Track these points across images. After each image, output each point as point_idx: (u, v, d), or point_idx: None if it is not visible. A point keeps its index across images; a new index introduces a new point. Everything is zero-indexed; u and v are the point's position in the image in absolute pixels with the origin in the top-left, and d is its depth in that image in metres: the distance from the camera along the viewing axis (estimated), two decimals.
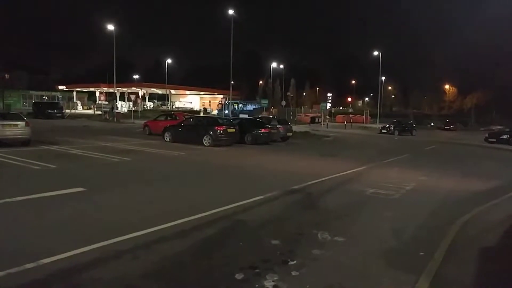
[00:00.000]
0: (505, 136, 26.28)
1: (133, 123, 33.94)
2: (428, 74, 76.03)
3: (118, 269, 4.38)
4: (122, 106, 57.59)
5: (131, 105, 48.11)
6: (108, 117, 37.25)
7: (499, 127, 29.51)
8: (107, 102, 45.71)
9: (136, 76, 75.98)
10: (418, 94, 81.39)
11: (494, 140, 26.55)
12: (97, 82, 61.53)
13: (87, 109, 58.34)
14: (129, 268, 4.42)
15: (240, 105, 44.96)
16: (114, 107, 40.97)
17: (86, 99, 68.70)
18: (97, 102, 57.28)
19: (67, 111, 43.59)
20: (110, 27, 38.90)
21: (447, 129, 46.07)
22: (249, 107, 45.65)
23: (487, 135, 28.11)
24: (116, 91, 52.50)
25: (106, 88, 57.90)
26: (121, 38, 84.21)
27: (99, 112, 41.87)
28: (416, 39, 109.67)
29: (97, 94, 63.47)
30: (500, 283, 4.36)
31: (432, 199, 8.78)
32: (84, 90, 68.65)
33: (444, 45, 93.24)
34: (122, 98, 63.42)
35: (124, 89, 61.82)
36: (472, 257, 4.99)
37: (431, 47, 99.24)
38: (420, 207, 7.95)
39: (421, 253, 5.17)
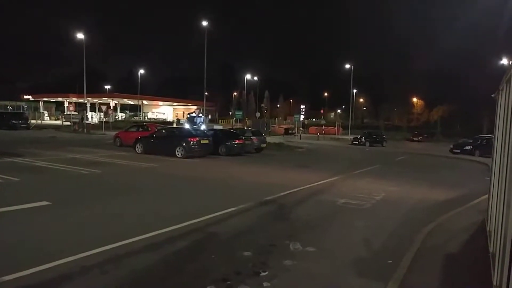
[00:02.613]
0: (468, 147, 27.58)
1: (104, 134, 33.05)
2: (398, 87, 78.99)
3: (84, 285, 4.23)
4: (93, 117, 56.05)
5: (102, 116, 46.93)
6: (77, 128, 36.06)
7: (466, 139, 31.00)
8: (76, 113, 44.38)
9: (107, 87, 74.41)
10: (389, 107, 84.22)
11: (459, 150, 27.80)
12: (66, 92, 59.71)
13: (55, 120, 56.31)
14: (96, 283, 4.27)
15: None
16: (84, 117, 39.77)
17: (53, 109, 66.35)
18: (65, 113, 55.44)
19: (33, 121, 41.89)
20: (80, 35, 38.01)
21: (415, 140, 47.81)
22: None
23: (452, 146, 29.40)
24: (86, 101, 51.16)
25: (75, 98, 56.35)
26: (93, 48, 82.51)
27: (68, 123, 40.50)
28: (387, 53, 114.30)
29: (66, 104, 61.66)
30: (463, 287, 4.54)
31: (401, 208, 9.06)
32: (52, 100, 66.42)
33: (413, 60, 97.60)
34: (92, 109, 61.77)
35: (95, 100, 60.23)
36: (437, 264, 5.17)
37: (402, 62, 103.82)
38: (389, 217, 8.18)
39: (390, 261, 5.30)
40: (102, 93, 65.92)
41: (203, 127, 31.71)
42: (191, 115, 44.08)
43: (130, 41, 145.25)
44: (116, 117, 58.81)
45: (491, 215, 5.89)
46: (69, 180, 10.95)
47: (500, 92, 5.58)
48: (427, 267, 5.04)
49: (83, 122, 37.70)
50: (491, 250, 4.97)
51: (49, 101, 65.94)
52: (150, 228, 6.28)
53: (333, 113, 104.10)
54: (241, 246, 5.66)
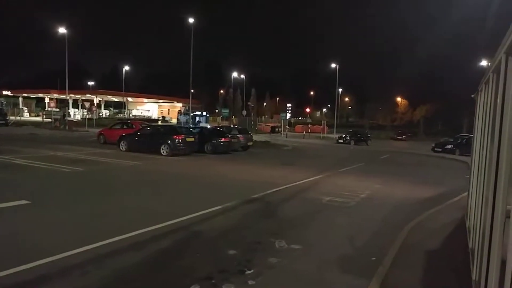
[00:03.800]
0: (449, 146, 28.22)
1: (87, 131, 32.45)
2: (382, 86, 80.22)
3: (64, 286, 4.13)
4: (75, 114, 54.95)
5: (85, 113, 46.06)
6: (58, 125, 35.30)
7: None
8: (58, 109, 43.41)
9: (91, 83, 73.04)
10: (373, 106, 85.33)
11: (440, 149, 28.44)
12: (47, 87, 58.31)
13: (35, 116, 54.96)
14: (76, 284, 4.18)
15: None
16: (65, 114, 38.94)
17: (33, 105, 64.79)
18: (46, 109, 54.20)
19: (12, 118, 40.80)
20: (62, 30, 37.09)
21: (399, 139, 48.60)
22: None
23: (433, 145, 30.01)
24: (68, 97, 50.05)
25: (57, 95, 55.07)
26: (76, 44, 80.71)
27: (49, 120, 39.61)
28: (372, 54, 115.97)
29: (47, 100, 60.22)
30: (443, 283, 4.64)
31: (385, 206, 9.19)
32: (32, 96, 64.78)
33: (398, 60, 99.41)
34: (75, 106, 60.58)
35: (78, 96, 59.12)
36: (419, 260, 5.27)
37: (386, 62, 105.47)
38: (373, 214, 8.29)
39: (373, 258, 5.37)
40: (85, 89, 64.69)
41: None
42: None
43: (114, 37, 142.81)
44: (100, 114, 57.84)
45: (470, 212, 6.03)
46: (49, 178, 10.70)
47: (479, 93, 5.72)
48: (409, 263, 5.13)
49: (65, 119, 36.94)
50: (470, 245, 5.10)
51: (29, 97, 64.31)
52: (134, 227, 6.19)
53: (319, 112, 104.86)
54: (226, 244, 5.64)
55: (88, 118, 40.68)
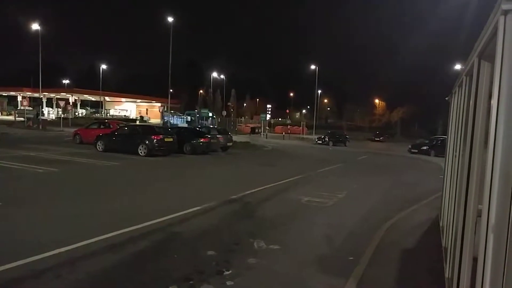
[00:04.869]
0: (425, 147, 29.03)
1: (62, 131, 31.54)
2: (361, 88, 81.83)
3: None
4: (50, 113, 53.29)
5: (59, 112, 44.68)
6: (31, 125, 34.13)
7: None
8: (31, 108, 41.95)
9: (66, 81, 71.01)
10: (352, 107, 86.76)
11: (416, 150, 29.21)
12: (19, 85, 56.31)
13: (7, 115, 52.98)
14: None
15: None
16: (39, 113, 37.68)
17: (5, 104, 62.51)
18: (19, 108, 52.38)
19: None
20: (36, 26, 35.84)
21: (377, 140, 49.59)
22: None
23: (410, 146, 30.81)
24: (42, 96, 48.48)
25: (30, 93, 53.27)
26: (51, 41, 78.40)
27: (22, 119, 38.23)
28: (351, 56, 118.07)
29: (19, 98, 58.14)
30: (418, 281, 4.75)
31: (362, 206, 9.34)
32: (4, 94, 62.44)
33: (376, 64, 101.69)
34: (49, 104, 58.74)
35: (52, 95, 57.34)
36: (395, 258, 5.38)
37: (365, 64, 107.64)
38: (351, 214, 8.41)
39: (350, 258, 5.45)
40: (60, 87, 62.82)
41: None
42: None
43: (92, 35, 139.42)
44: (76, 114, 56.35)
45: (444, 212, 6.21)
46: (22, 179, 10.32)
47: (453, 95, 5.89)
48: (385, 262, 5.22)
49: (38, 118, 35.78)
50: (443, 244, 5.24)
51: (1, 95, 61.94)
52: (110, 228, 6.04)
53: (298, 113, 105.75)
54: (205, 245, 5.59)
55: (63, 118, 39.52)
